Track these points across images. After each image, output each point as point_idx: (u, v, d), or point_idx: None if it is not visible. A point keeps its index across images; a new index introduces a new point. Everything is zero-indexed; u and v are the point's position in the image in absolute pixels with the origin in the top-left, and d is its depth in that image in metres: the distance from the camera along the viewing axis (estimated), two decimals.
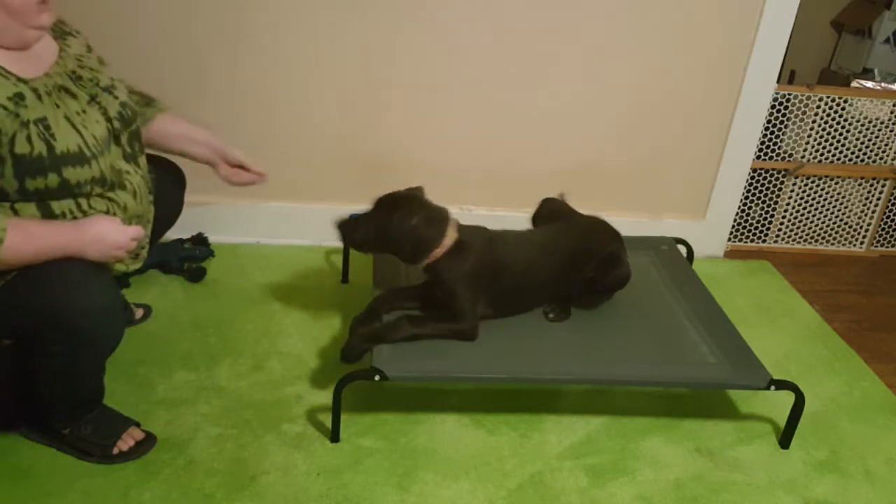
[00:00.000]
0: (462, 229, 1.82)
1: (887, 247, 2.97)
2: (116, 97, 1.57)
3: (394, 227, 1.75)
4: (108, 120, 1.52)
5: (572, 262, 1.95)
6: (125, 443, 1.64)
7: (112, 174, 1.50)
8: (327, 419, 1.77)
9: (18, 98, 1.36)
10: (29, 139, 1.36)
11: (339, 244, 2.36)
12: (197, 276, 2.31)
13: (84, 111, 1.47)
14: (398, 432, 1.78)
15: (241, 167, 1.87)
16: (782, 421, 1.86)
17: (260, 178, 1.89)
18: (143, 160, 1.64)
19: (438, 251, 1.77)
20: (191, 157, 1.85)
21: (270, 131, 2.42)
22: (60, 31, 1.56)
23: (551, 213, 2.09)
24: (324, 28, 2.29)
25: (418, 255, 1.78)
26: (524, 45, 2.36)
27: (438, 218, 1.80)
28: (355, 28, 2.29)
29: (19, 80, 1.38)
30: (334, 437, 1.74)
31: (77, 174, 1.42)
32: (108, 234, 1.44)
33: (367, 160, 2.49)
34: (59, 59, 1.49)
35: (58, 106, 1.42)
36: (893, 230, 2.95)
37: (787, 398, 1.80)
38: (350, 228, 1.83)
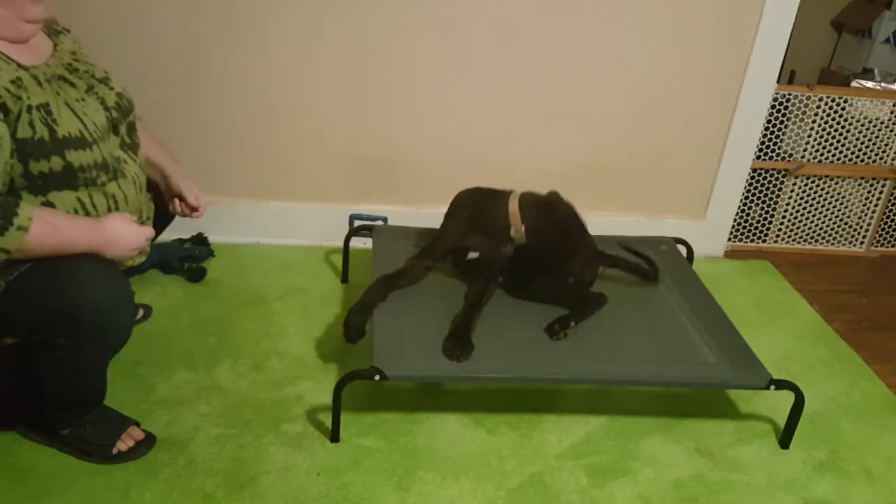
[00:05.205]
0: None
1: (887, 247, 2.97)
2: (112, 88, 1.60)
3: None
4: (107, 109, 1.54)
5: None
6: (125, 443, 1.64)
7: (113, 161, 1.52)
8: (327, 419, 1.77)
9: (19, 82, 1.38)
10: (31, 124, 1.38)
11: (339, 244, 2.38)
12: (197, 276, 2.31)
13: (83, 99, 1.50)
14: (398, 432, 1.78)
15: (182, 197, 1.78)
16: (782, 421, 1.86)
17: (193, 214, 1.79)
18: (140, 152, 1.66)
19: None
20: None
21: (270, 131, 2.43)
22: (53, 30, 1.59)
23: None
24: (323, 27, 2.29)
25: None
26: (524, 45, 2.36)
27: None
28: (355, 27, 2.29)
29: (20, 66, 1.41)
30: (334, 437, 1.74)
31: (80, 158, 1.43)
32: (125, 234, 1.48)
33: (366, 160, 2.50)
34: (55, 53, 1.53)
35: (58, 93, 1.45)
36: (893, 230, 2.95)
37: (787, 398, 1.80)
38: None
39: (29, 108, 1.37)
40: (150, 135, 1.77)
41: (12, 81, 1.37)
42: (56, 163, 1.41)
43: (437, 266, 2.07)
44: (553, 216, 2.00)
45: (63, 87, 1.47)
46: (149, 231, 1.54)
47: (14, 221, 1.32)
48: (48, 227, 1.37)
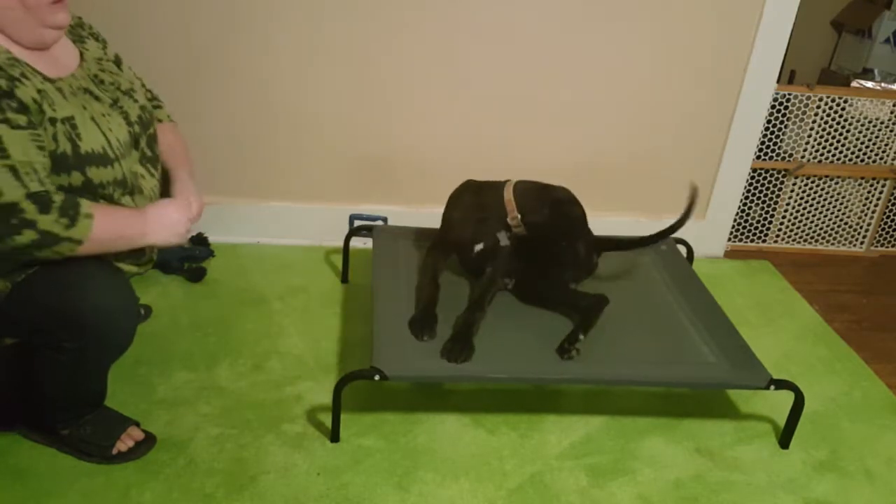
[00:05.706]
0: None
1: (887, 247, 2.97)
2: (136, 101, 1.58)
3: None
4: (130, 124, 1.53)
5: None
6: (125, 443, 1.63)
7: (131, 177, 1.52)
8: (327, 419, 1.77)
9: (43, 94, 1.37)
10: (55, 137, 1.36)
11: (339, 244, 2.38)
12: (197, 276, 2.31)
13: (108, 114, 1.48)
14: (398, 432, 1.78)
15: None
16: (782, 421, 1.86)
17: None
18: (158, 165, 1.65)
19: None
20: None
21: (270, 131, 2.43)
22: (78, 36, 1.57)
23: None
24: (323, 27, 2.29)
25: None
26: (524, 45, 2.36)
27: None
28: (355, 27, 2.29)
29: (45, 79, 1.39)
30: (334, 437, 1.74)
31: (100, 175, 1.43)
32: (168, 220, 1.50)
33: (366, 160, 2.50)
34: (83, 63, 1.51)
35: (84, 107, 1.43)
36: (893, 230, 2.95)
37: (787, 398, 1.80)
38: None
39: (53, 121, 1.36)
40: (172, 140, 1.75)
41: (39, 91, 1.35)
42: (76, 178, 1.40)
43: (445, 262, 2.09)
44: (549, 201, 1.97)
45: (89, 101, 1.45)
46: (190, 213, 1.56)
47: (80, 210, 1.33)
48: (107, 215, 1.39)
